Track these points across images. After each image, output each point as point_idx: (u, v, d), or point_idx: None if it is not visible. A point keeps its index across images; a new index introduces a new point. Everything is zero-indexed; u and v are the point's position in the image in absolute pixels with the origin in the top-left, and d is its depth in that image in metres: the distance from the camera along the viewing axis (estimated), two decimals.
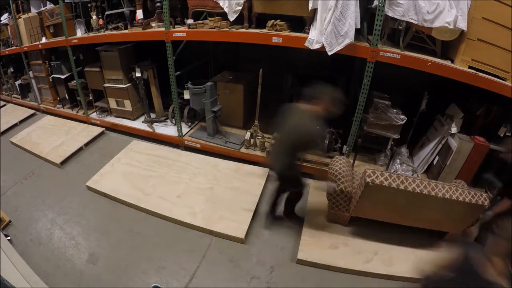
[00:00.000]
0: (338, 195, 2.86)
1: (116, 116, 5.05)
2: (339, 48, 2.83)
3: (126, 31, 4.10)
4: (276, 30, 3.19)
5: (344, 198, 2.86)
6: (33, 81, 5.57)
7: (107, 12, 4.29)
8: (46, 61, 5.18)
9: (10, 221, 3.23)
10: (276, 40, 3.14)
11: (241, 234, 2.95)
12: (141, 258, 2.82)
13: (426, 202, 2.52)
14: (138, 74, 4.40)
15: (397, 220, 2.82)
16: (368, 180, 2.50)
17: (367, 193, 2.59)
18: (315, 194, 3.47)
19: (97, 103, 5.13)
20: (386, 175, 2.51)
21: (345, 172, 2.99)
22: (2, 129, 5.17)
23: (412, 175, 3.54)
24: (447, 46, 3.01)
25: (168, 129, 4.63)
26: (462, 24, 2.69)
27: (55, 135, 4.79)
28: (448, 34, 2.80)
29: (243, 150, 4.09)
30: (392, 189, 2.48)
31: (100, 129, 4.92)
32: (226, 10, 3.32)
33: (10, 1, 4.92)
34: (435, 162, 3.58)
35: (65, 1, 4.33)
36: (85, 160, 4.34)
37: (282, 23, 3.20)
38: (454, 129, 3.34)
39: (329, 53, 2.86)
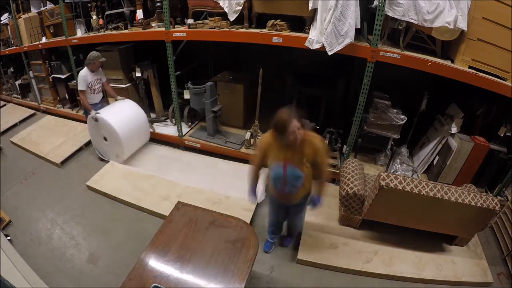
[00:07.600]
0: (350, 198, 2.86)
1: None
2: (339, 48, 2.82)
3: (126, 31, 4.10)
4: (276, 30, 3.19)
5: (356, 201, 2.87)
6: (33, 81, 5.56)
7: (107, 12, 4.28)
8: (46, 61, 5.17)
9: (10, 221, 3.23)
10: (276, 40, 3.14)
11: None
12: None
13: (439, 206, 2.52)
14: (138, 74, 4.40)
15: (410, 224, 2.80)
16: (383, 183, 2.50)
17: (381, 197, 2.59)
18: None
19: None
20: (400, 179, 2.51)
21: (358, 175, 2.99)
22: (2, 129, 5.16)
23: (412, 175, 3.54)
24: (447, 46, 3.01)
25: (168, 129, 4.62)
26: (462, 24, 2.69)
27: (55, 135, 4.78)
28: (448, 34, 2.79)
29: (243, 150, 4.09)
30: (405, 193, 2.48)
31: None
32: (226, 10, 3.32)
33: (10, 1, 4.92)
34: (435, 162, 3.58)
35: (65, 1, 4.32)
36: (85, 160, 4.34)
37: (282, 23, 3.20)
38: (454, 129, 3.34)
39: (329, 53, 2.86)
